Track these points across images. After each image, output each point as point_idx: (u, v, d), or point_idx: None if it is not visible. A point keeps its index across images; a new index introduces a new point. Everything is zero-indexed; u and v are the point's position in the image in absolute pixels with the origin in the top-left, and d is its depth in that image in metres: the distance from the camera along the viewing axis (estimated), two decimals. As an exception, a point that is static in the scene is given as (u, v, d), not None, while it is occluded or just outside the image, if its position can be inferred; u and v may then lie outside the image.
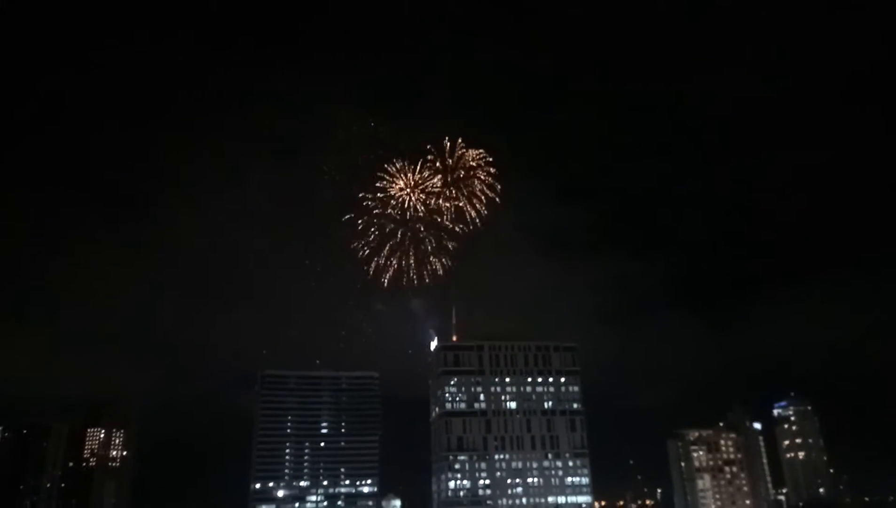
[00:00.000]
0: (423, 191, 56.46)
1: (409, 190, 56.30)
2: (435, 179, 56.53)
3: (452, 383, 74.40)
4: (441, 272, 57.46)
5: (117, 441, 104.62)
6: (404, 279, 58.10)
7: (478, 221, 57.37)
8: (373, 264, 58.48)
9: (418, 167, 56.93)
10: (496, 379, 75.07)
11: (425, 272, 58.14)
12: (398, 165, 57.33)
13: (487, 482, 70.45)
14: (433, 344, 78.62)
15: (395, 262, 58.21)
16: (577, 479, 72.01)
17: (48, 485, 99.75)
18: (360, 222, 57.18)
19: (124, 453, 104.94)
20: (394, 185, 57.01)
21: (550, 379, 76.12)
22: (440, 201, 56.78)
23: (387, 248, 57.90)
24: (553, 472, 72.05)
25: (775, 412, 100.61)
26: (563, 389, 76.11)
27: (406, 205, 56.90)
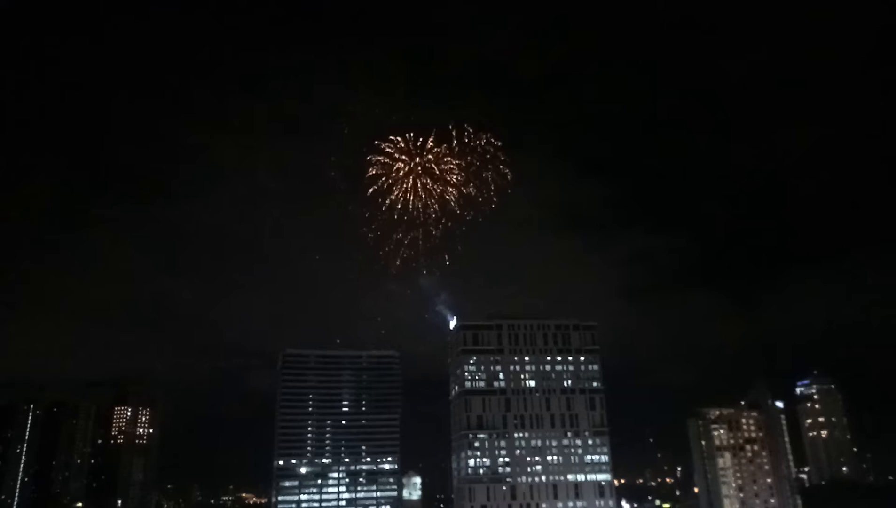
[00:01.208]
0: (430, 175, 56.22)
1: (413, 173, 56.05)
2: (444, 165, 56.26)
3: (472, 361, 74.58)
4: (448, 257, 57.39)
5: (144, 420, 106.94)
6: (418, 260, 58.13)
7: (491, 203, 57.06)
8: (385, 247, 58.57)
9: (425, 150, 56.65)
10: (515, 358, 75.11)
11: (440, 256, 58.10)
12: (405, 146, 57.09)
13: (507, 460, 70.69)
14: (452, 323, 78.89)
15: (407, 243, 58.25)
16: (596, 457, 71.90)
17: (79, 461, 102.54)
18: (371, 203, 57.19)
19: (151, 430, 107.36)
20: (399, 166, 56.86)
21: (570, 358, 75.94)
22: (448, 187, 56.55)
23: (398, 231, 57.92)
24: (572, 450, 71.99)
25: (798, 390, 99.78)
26: (582, 367, 75.96)
27: (411, 186, 56.71)
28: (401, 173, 57.59)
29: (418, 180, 57.65)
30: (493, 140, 56.95)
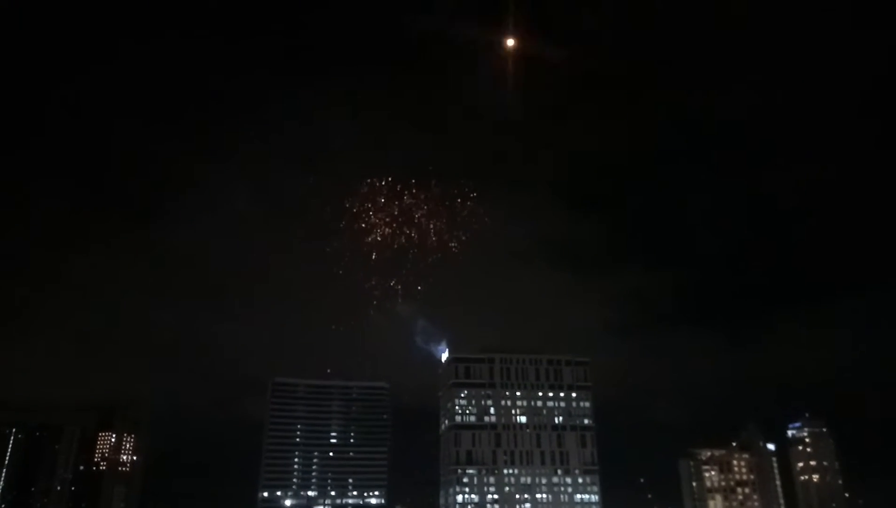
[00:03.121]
0: (418, 212, 56.22)
1: (401, 212, 56.01)
2: (429, 205, 56.21)
3: (462, 395, 73.93)
4: (441, 290, 57.32)
5: (128, 446, 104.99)
6: (411, 294, 57.94)
7: (475, 241, 57.01)
8: (376, 280, 58.41)
9: (412, 191, 56.62)
10: (507, 393, 74.52)
11: (433, 289, 57.91)
12: (388, 191, 56.96)
13: (496, 496, 69.72)
14: (444, 356, 78.39)
15: (398, 277, 58.08)
16: (586, 496, 71.11)
17: (58, 488, 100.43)
18: (360, 237, 57.21)
19: (134, 458, 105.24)
20: (380, 208, 56.83)
21: (562, 394, 75.45)
22: (434, 224, 56.55)
23: (389, 265, 57.78)
24: (562, 488, 71.22)
25: (789, 432, 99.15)
26: (574, 404, 75.40)
27: (399, 223, 56.65)
28: (391, 212, 57.77)
29: (407, 217, 57.84)
30: (471, 194, 57.15)
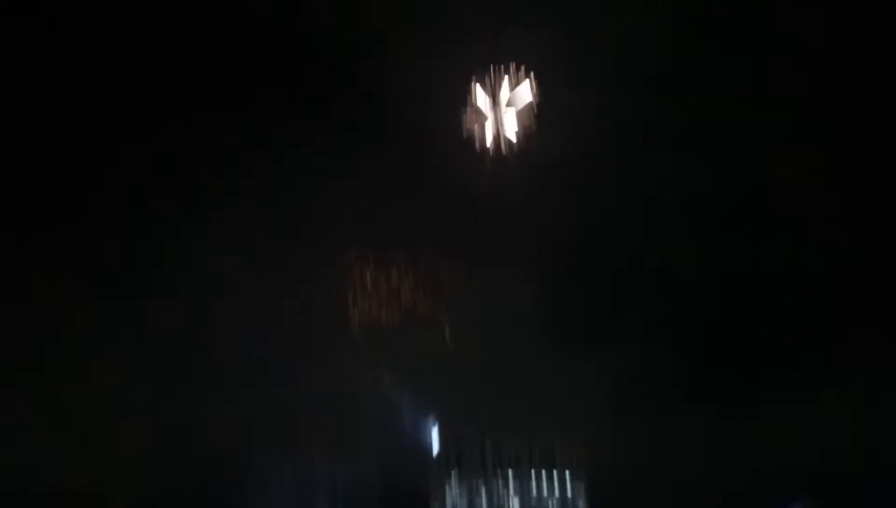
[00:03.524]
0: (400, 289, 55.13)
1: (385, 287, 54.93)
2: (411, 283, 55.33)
3: (453, 478, 71.68)
4: (429, 367, 55.51)
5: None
6: (398, 369, 56.21)
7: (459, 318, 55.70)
8: (359, 355, 56.75)
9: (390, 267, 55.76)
10: (499, 476, 72.35)
11: (420, 365, 56.25)
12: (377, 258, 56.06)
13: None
14: (434, 437, 76.02)
15: (382, 353, 56.46)
16: (582, 586, 68.71)
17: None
18: (343, 309, 55.83)
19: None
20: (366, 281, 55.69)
21: (555, 479, 73.43)
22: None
23: (370, 339, 56.22)
24: (557, 577, 68.88)
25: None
26: (567, 487, 73.36)
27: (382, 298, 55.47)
28: (378, 285, 56.62)
29: (394, 291, 56.61)
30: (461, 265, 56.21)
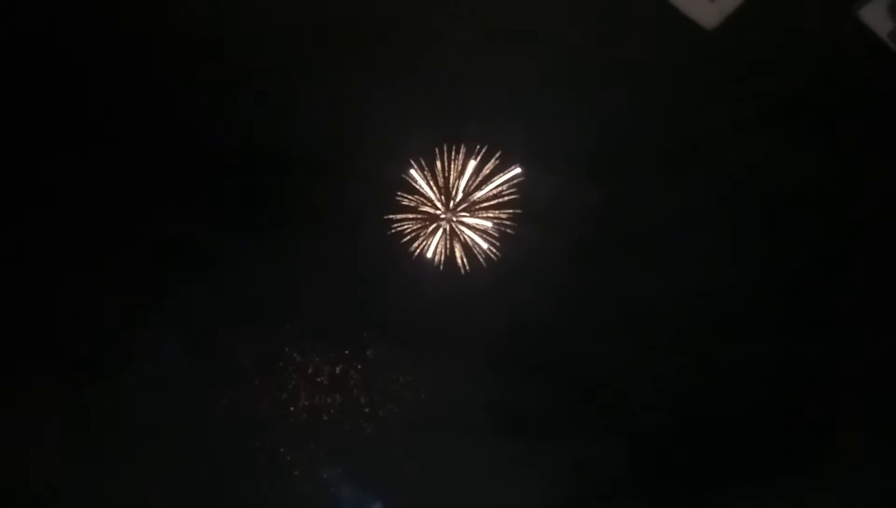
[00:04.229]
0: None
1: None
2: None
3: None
4: (374, 461, 51.49)
5: None
6: (342, 466, 52.24)
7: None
8: (297, 451, 52.64)
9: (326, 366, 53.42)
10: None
11: (363, 459, 52.39)
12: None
13: None
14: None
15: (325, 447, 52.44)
16: None
17: None
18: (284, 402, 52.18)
19: None
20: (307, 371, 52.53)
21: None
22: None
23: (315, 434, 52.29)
24: None
25: None
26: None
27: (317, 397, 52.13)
28: (319, 377, 53.51)
29: (337, 383, 53.51)
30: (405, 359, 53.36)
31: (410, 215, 20.19)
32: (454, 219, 20.82)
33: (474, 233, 21.61)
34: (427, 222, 20.94)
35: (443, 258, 21.42)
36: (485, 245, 21.61)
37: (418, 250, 20.69)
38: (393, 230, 19.16)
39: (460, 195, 20.02)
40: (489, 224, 20.90)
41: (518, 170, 20.30)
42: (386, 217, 18.59)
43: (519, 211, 20.15)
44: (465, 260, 21.46)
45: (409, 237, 20.27)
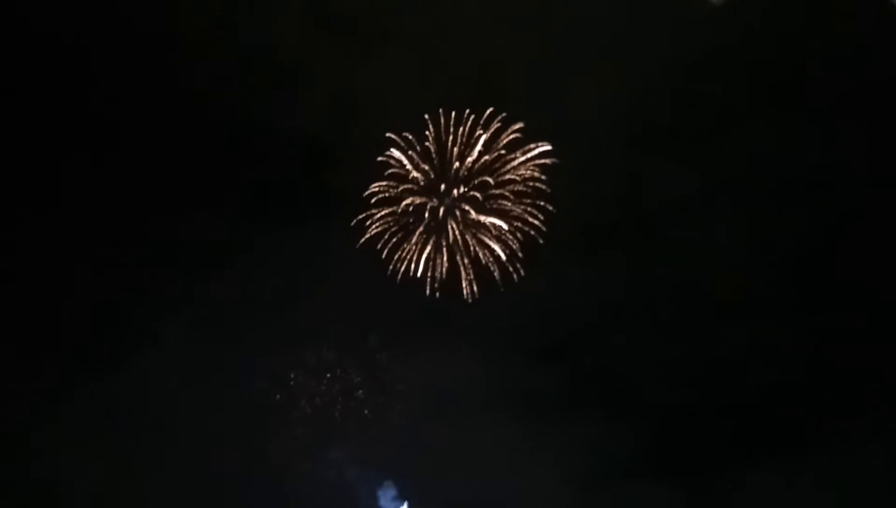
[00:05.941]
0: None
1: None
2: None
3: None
4: (395, 442, 51.48)
5: None
6: (359, 446, 52.33)
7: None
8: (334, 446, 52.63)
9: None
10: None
11: (385, 442, 52.57)
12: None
13: None
14: (401, 511, 71.91)
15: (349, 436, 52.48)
16: None
17: None
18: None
19: None
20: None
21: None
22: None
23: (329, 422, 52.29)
24: None
25: None
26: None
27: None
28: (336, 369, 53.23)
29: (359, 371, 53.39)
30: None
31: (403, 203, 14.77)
32: (455, 209, 13.30)
33: (488, 238, 14.30)
34: (422, 212, 13.23)
35: (441, 275, 14.00)
36: (503, 256, 15.26)
37: (413, 265, 15.31)
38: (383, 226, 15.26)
39: (465, 173, 14.61)
40: (504, 225, 14.87)
41: (548, 147, 14.77)
42: (368, 212, 15.12)
43: (540, 202, 14.98)
44: (473, 284, 14.41)
45: (399, 235, 15.12)
